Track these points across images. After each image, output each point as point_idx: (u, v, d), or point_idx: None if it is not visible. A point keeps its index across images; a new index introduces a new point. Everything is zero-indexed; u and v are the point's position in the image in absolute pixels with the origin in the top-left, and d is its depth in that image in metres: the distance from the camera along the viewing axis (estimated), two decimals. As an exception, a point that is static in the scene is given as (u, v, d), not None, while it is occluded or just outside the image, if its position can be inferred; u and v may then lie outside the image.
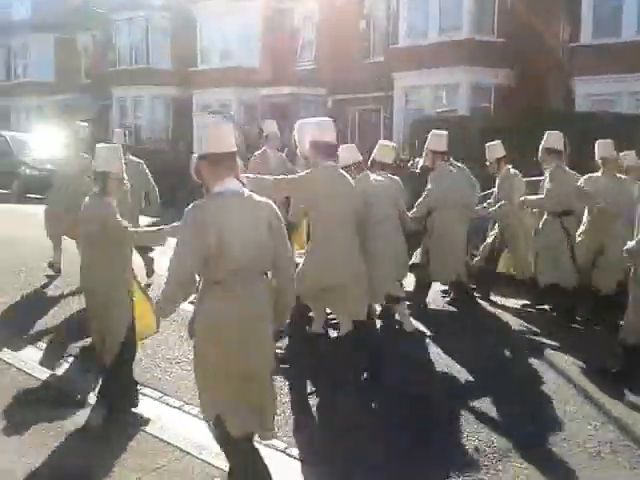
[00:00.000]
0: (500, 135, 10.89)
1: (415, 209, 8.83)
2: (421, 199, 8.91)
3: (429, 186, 8.93)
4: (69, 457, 5.33)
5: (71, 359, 7.42)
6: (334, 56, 26.52)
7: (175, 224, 5.23)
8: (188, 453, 5.35)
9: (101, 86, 35.72)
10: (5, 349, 7.60)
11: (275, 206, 4.43)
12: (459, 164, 9.67)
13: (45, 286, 10.17)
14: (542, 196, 8.99)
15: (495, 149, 9.84)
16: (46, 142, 20.14)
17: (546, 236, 8.97)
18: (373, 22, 27.06)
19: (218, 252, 4.08)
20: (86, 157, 10.11)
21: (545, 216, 9.06)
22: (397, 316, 8.42)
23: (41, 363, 7.28)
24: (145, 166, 10.68)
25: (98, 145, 6.09)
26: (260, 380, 4.37)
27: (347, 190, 6.82)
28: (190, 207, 4.18)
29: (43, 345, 7.83)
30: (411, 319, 8.43)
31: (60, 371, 7.13)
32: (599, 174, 8.89)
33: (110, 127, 34.37)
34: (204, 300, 4.25)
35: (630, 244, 6.54)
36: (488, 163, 9.89)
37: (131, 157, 10.16)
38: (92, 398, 6.25)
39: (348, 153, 7.85)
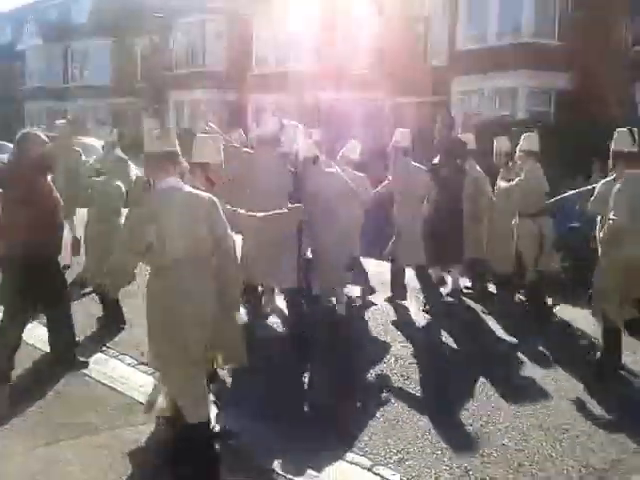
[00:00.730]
0: (559, 140, 10.67)
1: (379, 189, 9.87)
2: (378, 188, 9.85)
3: (389, 177, 9.79)
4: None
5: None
6: (392, 60, 26.25)
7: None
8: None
9: (157, 90, 35.92)
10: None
11: (215, 198, 4.90)
12: (477, 168, 10.44)
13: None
14: (512, 184, 9.53)
15: (503, 143, 10.31)
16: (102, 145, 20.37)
17: (521, 237, 9.44)
18: (432, 26, 26.68)
19: (158, 241, 4.57)
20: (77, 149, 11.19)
21: (518, 217, 9.51)
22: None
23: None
24: (129, 164, 11.04)
25: (198, 135, 5.93)
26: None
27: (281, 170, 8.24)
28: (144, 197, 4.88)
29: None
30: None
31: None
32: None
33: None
34: (150, 283, 4.78)
35: (601, 235, 7.08)
36: (494, 157, 10.38)
37: (119, 154, 10.88)
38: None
39: (304, 149, 8.67)
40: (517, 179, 9.46)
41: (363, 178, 9.85)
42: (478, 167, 10.54)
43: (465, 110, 23.71)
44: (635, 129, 7.25)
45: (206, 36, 34.34)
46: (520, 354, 7.88)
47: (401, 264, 9.92)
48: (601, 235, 7.10)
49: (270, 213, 6.00)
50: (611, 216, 6.87)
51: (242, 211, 5.73)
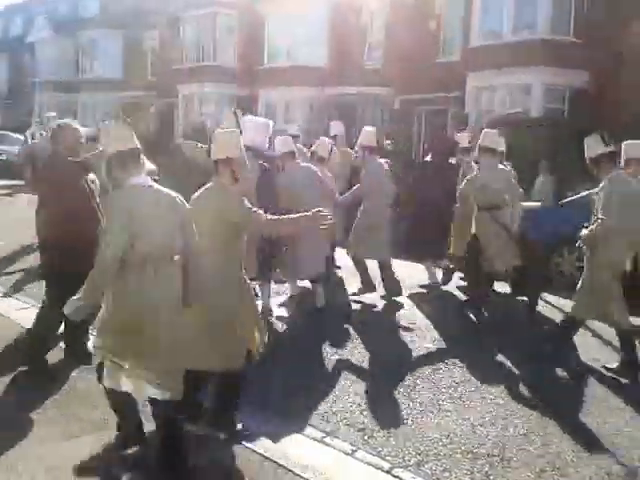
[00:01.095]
0: (572, 138, 10.62)
1: (345, 196, 9.95)
2: (354, 188, 9.95)
3: (362, 176, 9.88)
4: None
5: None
6: (402, 55, 26.04)
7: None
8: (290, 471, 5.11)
9: (167, 83, 35.81)
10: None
11: (183, 198, 5.04)
12: (474, 166, 10.33)
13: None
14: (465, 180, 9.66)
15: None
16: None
17: (480, 230, 9.38)
18: (444, 21, 26.46)
19: (132, 237, 4.65)
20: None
21: (476, 211, 9.45)
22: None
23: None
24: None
25: (216, 131, 5.78)
26: (166, 349, 4.84)
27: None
28: (112, 196, 4.90)
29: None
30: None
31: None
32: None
33: (175, 125, 34.51)
34: (120, 280, 4.75)
35: (583, 232, 7.31)
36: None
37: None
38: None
39: (280, 144, 9.23)
40: (469, 175, 9.66)
41: (330, 178, 9.94)
42: (476, 165, 10.51)
43: (479, 106, 23.59)
44: (605, 132, 7.40)
45: (217, 30, 34.16)
46: (536, 356, 7.77)
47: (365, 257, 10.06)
48: (587, 235, 7.28)
49: (296, 216, 5.82)
50: (600, 216, 7.09)
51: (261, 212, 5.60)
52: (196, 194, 5.47)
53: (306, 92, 30.35)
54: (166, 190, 4.97)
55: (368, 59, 29.38)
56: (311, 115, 30.24)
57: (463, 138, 11.02)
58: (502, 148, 9.94)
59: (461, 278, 11.02)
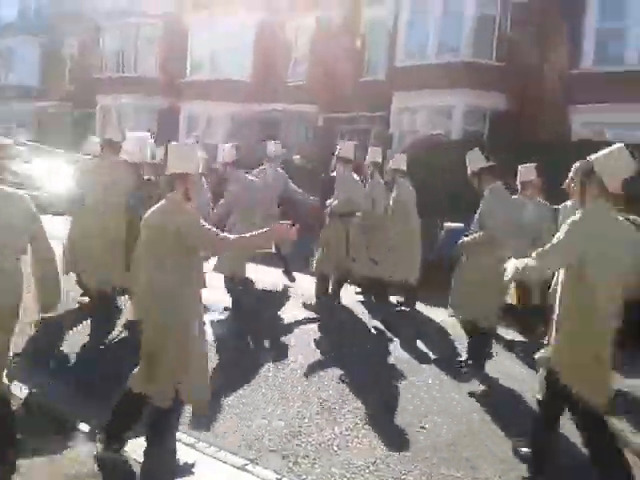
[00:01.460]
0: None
1: (216, 209, 10.26)
2: (220, 203, 10.40)
3: (231, 190, 10.36)
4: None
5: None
6: (327, 73, 25.98)
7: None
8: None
9: (86, 93, 34.98)
10: None
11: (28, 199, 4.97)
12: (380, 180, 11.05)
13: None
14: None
15: (399, 161, 10.94)
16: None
17: (328, 233, 10.47)
18: (369, 41, 26.50)
19: None
20: None
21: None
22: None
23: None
24: None
25: (171, 144, 5.42)
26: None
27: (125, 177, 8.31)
28: None
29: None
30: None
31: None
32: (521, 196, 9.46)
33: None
34: None
35: (464, 239, 7.58)
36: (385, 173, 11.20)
37: None
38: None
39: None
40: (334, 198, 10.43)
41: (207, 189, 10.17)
42: (381, 180, 11.07)
43: (402, 127, 23.65)
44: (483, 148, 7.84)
45: (139, 40, 33.53)
46: (463, 377, 7.71)
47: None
48: (468, 241, 7.53)
49: (259, 232, 5.31)
50: (485, 224, 7.41)
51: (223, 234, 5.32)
52: (150, 210, 5.16)
53: (230, 107, 29.98)
54: (11, 190, 4.92)
55: (292, 75, 29.27)
56: (233, 130, 29.87)
57: (377, 152, 11.34)
58: (403, 167, 10.70)
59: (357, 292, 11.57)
